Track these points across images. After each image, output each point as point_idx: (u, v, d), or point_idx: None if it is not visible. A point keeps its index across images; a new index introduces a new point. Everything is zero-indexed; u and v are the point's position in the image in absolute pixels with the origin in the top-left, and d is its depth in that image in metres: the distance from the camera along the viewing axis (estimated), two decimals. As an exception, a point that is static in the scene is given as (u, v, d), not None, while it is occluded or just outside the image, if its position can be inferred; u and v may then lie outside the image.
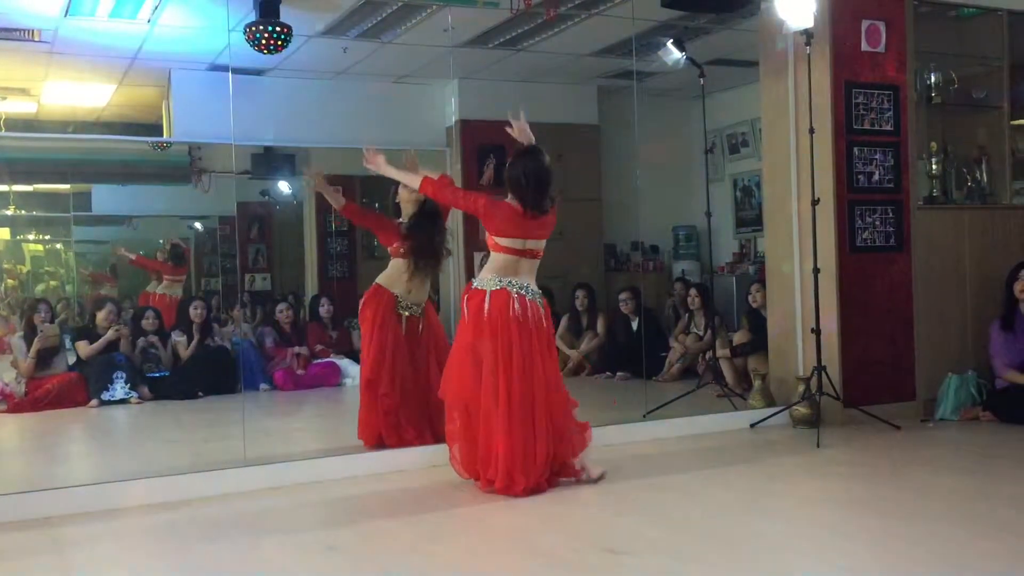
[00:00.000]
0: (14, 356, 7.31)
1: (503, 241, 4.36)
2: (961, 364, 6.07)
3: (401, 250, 5.18)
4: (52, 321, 7.50)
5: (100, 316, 7.46)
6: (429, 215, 5.20)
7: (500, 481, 4.20)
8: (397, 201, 5.25)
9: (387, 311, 5.15)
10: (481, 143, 7.95)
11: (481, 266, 4.53)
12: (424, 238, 5.16)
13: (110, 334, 7.33)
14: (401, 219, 5.25)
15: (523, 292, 4.34)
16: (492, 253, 4.42)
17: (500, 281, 4.33)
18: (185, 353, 7.66)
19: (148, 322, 7.74)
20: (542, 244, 4.46)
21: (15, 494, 4.22)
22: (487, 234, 4.43)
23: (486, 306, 4.30)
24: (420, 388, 5.12)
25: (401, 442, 5.02)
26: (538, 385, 4.27)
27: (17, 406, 6.94)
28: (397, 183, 5.13)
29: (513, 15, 6.61)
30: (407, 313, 5.18)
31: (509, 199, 4.36)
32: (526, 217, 4.33)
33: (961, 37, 6.68)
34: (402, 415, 5.07)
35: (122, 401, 7.13)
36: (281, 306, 8.34)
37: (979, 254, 6.28)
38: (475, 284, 4.41)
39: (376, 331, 5.11)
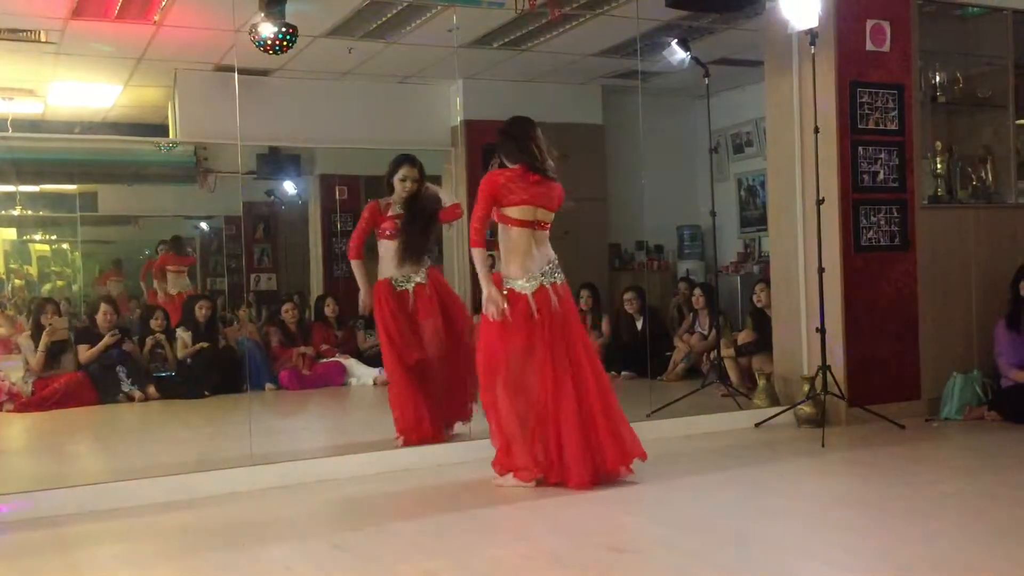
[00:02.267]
0: (24, 355, 7.34)
1: (513, 212, 4.34)
2: (966, 363, 6.07)
3: (388, 232, 5.26)
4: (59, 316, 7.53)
5: (98, 317, 7.50)
6: (422, 207, 5.28)
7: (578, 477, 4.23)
8: (392, 181, 5.29)
9: (388, 298, 5.23)
10: (485, 143, 7.92)
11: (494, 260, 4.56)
12: (413, 219, 5.25)
13: (107, 339, 7.35)
14: (391, 200, 5.30)
15: (555, 280, 4.37)
16: (504, 233, 4.40)
17: (534, 277, 4.34)
18: (189, 351, 7.69)
19: (157, 322, 7.76)
20: (551, 217, 4.45)
21: (23, 493, 4.24)
22: (498, 212, 4.40)
23: (533, 308, 4.32)
24: (439, 369, 5.22)
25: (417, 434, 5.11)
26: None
27: (24, 405, 6.97)
28: (392, 176, 5.26)
29: (518, 15, 6.61)
30: (409, 286, 5.24)
31: (509, 168, 4.39)
32: (529, 180, 4.34)
33: (966, 36, 6.67)
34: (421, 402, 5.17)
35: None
36: (286, 306, 8.35)
37: (984, 253, 6.27)
38: (509, 283, 4.39)
39: (387, 322, 5.21)
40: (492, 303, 4.31)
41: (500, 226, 4.42)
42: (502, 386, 4.34)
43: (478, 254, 4.36)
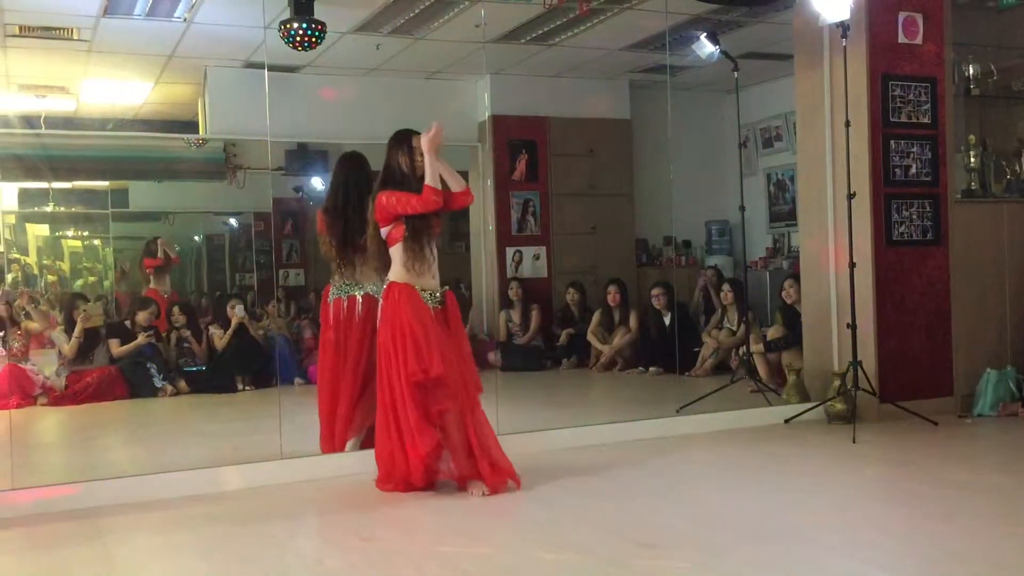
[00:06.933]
0: (57, 347, 7.44)
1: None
2: (1000, 359, 6.00)
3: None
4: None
5: (143, 316, 7.59)
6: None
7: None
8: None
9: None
10: (513, 138, 7.96)
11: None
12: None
13: (141, 339, 7.44)
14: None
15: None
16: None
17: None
18: (228, 336, 7.76)
19: (181, 317, 7.84)
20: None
21: (57, 486, 4.30)
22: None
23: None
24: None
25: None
26: None
27: (58, 399, 7.06)
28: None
29: (546, 10, 6.60)
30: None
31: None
32: None
33: (1000, 28, 6.59)
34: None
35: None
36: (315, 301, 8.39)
37: (1018, 248, 6.19)
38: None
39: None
40: None
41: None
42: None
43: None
